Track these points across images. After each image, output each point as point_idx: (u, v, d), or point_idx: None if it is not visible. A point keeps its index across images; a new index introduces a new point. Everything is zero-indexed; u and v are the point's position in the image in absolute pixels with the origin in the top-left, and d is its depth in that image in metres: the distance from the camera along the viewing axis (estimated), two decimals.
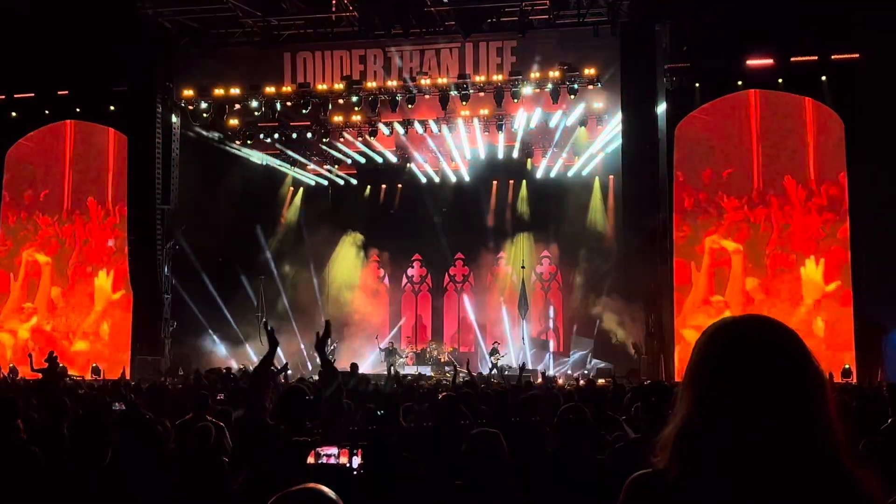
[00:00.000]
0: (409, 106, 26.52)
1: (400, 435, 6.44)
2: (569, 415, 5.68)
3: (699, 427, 1.91)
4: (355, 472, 4.38)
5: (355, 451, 4.42)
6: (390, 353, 29.04)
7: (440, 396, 9.76)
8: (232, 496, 4.66)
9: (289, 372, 26.29)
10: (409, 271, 34.63)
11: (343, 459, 4.37)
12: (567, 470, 5.40)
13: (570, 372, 26.25)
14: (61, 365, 22.40)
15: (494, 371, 25.96)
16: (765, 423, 1.85)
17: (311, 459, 4.34)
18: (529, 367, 27.82)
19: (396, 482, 5.70)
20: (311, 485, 2.31)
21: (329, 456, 4.36)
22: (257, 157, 32.20)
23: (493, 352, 28.41)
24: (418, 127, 28.70)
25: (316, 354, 6.29)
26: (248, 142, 30.05)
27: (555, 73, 25.39)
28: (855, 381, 21.43)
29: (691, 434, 1.92)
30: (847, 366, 22.79)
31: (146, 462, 5.95)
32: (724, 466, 1.86)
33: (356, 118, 28.40)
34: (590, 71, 25.37)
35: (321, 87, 26.75)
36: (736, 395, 1.88)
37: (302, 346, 30.62)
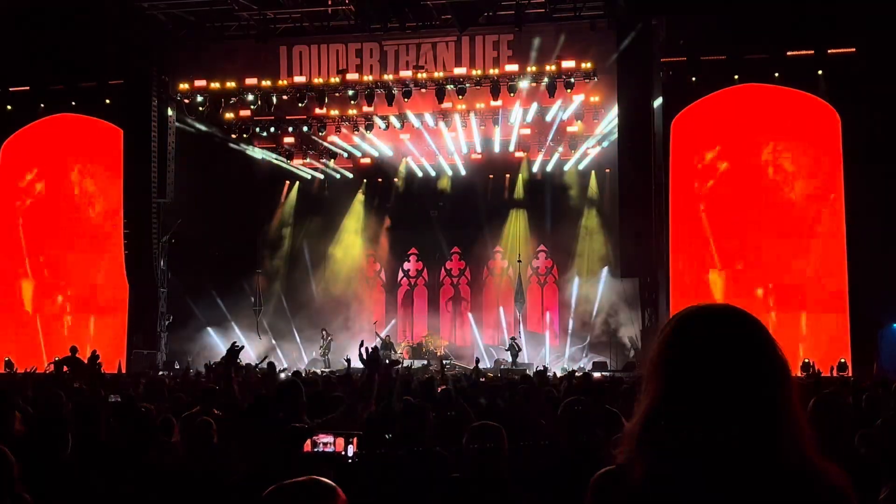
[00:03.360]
0: (405, 100, 26.49)
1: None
2: (575, 408, 5.63)
3: (664, 420, 1.87)
4: (350, 461, 4.42)
5: (351, 440, 4.45)
6: (386, 346, 29.02)
7: (439, 390, 9.78)
8: (232, 486, 4.67)
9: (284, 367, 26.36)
10: (406, 265, 34.62)
11: (339, 448, 4.41)
12: (575, 464, 5.36)
13: (566, 366, 26.26)
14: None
15: (509, 359, 26.43)
16: (731, 417, 1.82)
17: (307, 447, 4.38)
18: (526, 360, 27.91)
19: (395, 474, 5.70)
20: (309, 476, 2.30)
21: (326, 444, 4.40)
22: (253, 150, 32.17)
23: (512, 346, 28.31)
24: (414, 121, 28.68)
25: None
26: (244, 135, 30.00)
27: (551, 67, 25.38)
28: (850, 374, 21.47)
29: (656, 427, 1.89)
30: (842, 360, 22.83)
31: (138, 453, 5.94)
32: (689, 461, 1.82)
33: (352, 112, 28.40)
34: (586, 65, 25.36)
35: (317, 80, 26.72)
36: (701, 388, 1.84)
37: (298, 340, 30.67)
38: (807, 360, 22.35)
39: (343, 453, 4.42)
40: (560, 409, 5.71)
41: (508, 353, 27.88)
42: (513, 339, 28.59)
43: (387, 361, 18.48)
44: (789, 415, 1.87)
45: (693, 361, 1.88)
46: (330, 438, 4.45)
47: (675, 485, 1.84)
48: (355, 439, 4.48)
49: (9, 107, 28.80)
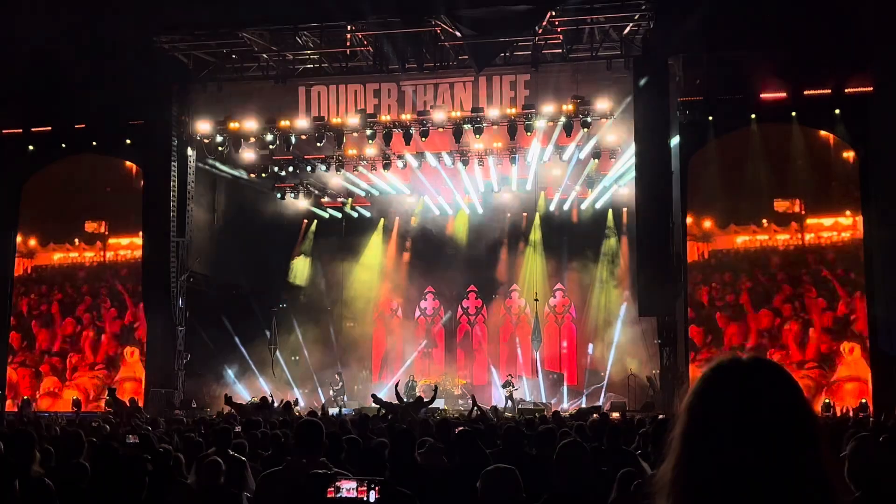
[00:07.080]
0: (423, 139, 26.64)
1: (416, 471, 6.41)
2: (567, 451, 5.57)
3: (693, 472, 1.88)
4: None
5: (373, 487, 4.46)
6: (411, 387, 28.88)
7: (457, 431, 9.71)
8: None
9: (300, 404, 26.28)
10: (423, 304, 34.61)
11: (361, 494, 4.43)
12: None
13: (583, 405, 26.08)
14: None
15: (509, 403, 26.21)
16: (760, 471, 1.82)
17: (330, 493, 4.39)
18: (543, 400, 27.78)
19: None
20: None
21: (349, 490, 4.42)
22: (272, 190, 32.39)
23: (507, 384, 28.37)
24: (432, 160, 28.80)
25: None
26: (263, 175, 30.19)
27: (568, 107, 25.50)
28: (872, 415, 21.22)
29: (686, 479, 1.89)
30: (864, 400, 22.61)
31: (159, 494, 5.93)
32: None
33: (370, 151, 28.53)
34: (603, 104, 25.51)
35: (336, 120, 26.92)
36: (732, 440, 1.85)
37: (315, 379, 30.64)
38: (827, 401, 22.24)
39: (365, 499, 4.43)
40: (556, 452, 5.58)
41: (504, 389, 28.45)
42: (509, 375, 29.00)
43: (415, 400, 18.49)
44: (820, 469, 1.87)
45: (724, 414, 1.89)
46: (353, 484, 4.46)
47: None
48: (378, 486, 4.49)
49: (31, 147, 29.02)
